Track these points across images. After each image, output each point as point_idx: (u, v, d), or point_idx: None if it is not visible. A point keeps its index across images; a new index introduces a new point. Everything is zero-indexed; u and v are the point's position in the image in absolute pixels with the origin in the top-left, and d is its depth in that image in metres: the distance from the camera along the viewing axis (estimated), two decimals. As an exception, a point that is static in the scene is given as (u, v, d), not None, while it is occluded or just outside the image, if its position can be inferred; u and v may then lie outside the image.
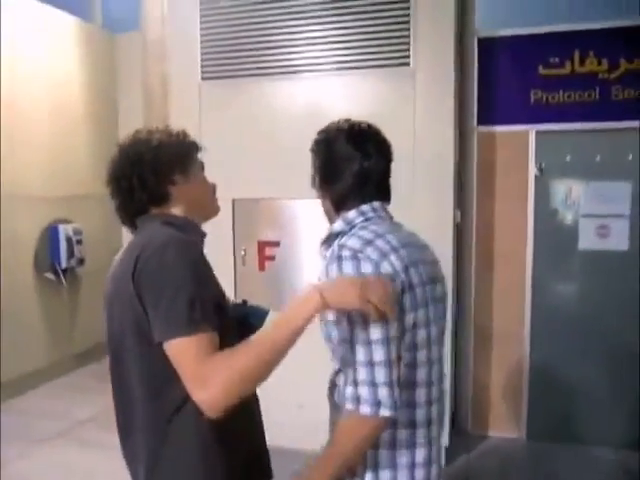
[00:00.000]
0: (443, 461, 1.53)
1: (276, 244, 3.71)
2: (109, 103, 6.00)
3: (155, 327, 1.22)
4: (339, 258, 1.30)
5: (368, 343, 1.24)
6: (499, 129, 3.84)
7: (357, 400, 1.25)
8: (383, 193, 1.49)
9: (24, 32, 4.92)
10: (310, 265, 3.53)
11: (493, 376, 4.00)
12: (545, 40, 3.72)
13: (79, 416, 4.43)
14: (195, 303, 1.20)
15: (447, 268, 3.47)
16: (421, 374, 1.36)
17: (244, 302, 1.59)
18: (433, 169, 3.41)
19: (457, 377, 3.98)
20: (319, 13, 3.50)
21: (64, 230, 5.17)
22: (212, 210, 1.55)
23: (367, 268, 1.28)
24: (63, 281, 5.21)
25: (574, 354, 3.82)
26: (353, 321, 1.27)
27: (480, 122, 3.85)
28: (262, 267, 3.75)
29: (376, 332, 1.24)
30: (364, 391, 1.24)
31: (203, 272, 1.29)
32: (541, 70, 3.72)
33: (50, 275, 5.18)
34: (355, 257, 1.29)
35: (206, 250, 1.42)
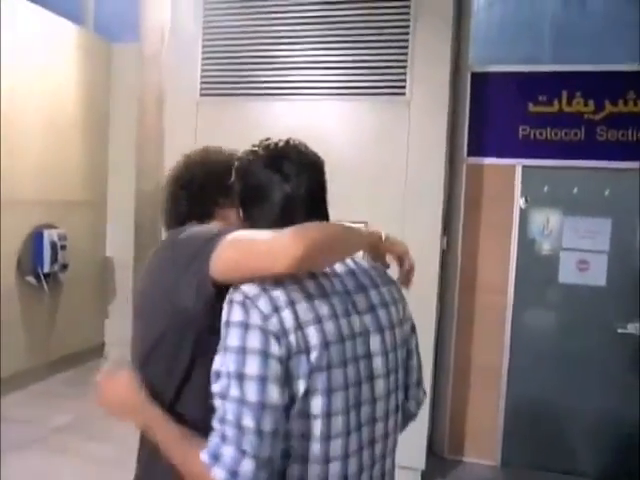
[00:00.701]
0: None
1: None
2: (101, 111, 6.01)
3: (193, 265, 1.20)
4: (230, 302, 1.16)
5: (240, 402, 1.10)
6: (487, 161, 3.95)
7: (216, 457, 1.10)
8: (317, 218, 1.29)
9: (23, 37, 4.94)
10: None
11: (470, 402, 4.06)
12: (535, 78, 3.86)
13: (54, 423, 4.38)
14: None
15: (432, 294, 3.58)
16: (335, 446, 1.17)
17: None
18: (423, 196, 3.50)
19: (435, 402, 4.04)
20: (319, 39, 3.59)
21: (49, 235, 5.15)
22: None
23: (255, 319, 1.12)
24: (45, 286, 5.18)
25: (551, 385, 3.91)
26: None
27: (469, 154, 3.96)
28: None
29: (251, 394, 1.10)
30: (228, 452, 1.09)
31: None
32: (530, 107, 3.85)
33: (32, 279, 5.14)
34: (244, 304, 1.14)
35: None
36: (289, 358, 1.12)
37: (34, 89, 5.09)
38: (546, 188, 3.91)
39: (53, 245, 5.15)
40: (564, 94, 3.79)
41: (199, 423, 1.19)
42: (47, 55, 5.23)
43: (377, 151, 3.52)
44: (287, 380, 1.12)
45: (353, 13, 3.51)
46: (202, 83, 3.82)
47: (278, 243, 1.11)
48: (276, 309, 1.13)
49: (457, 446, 4.09)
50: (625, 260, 3.80)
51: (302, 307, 1.16)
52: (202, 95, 3.82)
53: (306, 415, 1.14)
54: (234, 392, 1.10)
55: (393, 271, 1.43)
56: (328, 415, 1.15)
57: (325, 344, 1.15)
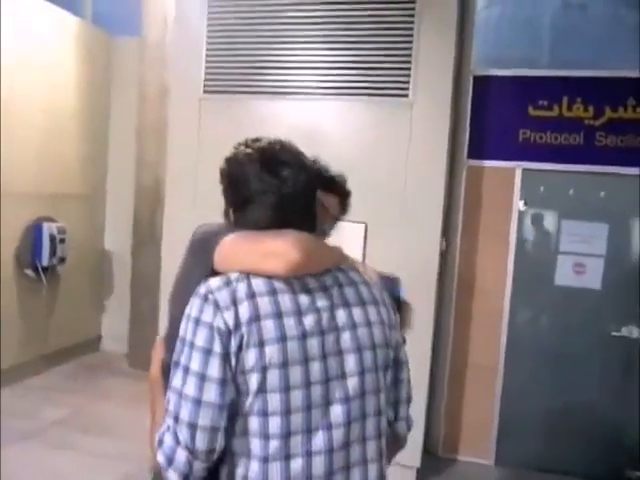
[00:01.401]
0: None
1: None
2: (102, 105, 6.00)
3: None
4: (195, 294, 1.20)
5: (179, 394, 1.15)
6: (487, 164, 3.98)
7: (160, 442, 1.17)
8: (307, 222, 1.32)
9: (24, 29, 4.92)
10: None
11: (465, 402, 4.11)
12: (536, 83, 3.89)
13: (50, 417, 4.39)
14: None
15: (430, 294, 3.62)
16: (295, 443, 1.17)
17: None
18: (424, 198, 3.53)
19: (430, 401, 4.08)
20: (324, 39, 3.61)
21: (48, 228, 5.14)
22: None
23: (207, 316, 1.16)
24: (43, 279, 5.18)
25: (546, 385, 3.97)
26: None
27: (470, 156, 3.99)
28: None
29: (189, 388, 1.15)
30: (167, 440, 1.16)
31: None
32: (531, 111, 3.88)
33: (30, 272, 5.14)
34: (205, 298, 1.18)
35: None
36: (240, 350, 1.14)
37: (34, 82, 5.08)
38: (545, 191, 3.95)
39: (52, 238, 5.15)
40: (564, 99, 3.83)
41: None
42: (47, 47, 5.22)
43: (378, 152, 3.55)
44: (239, 373, 1.14)
45: (358, 14, 3.53)
46: (206, 80, 3.83)
47: (280, 247, 1.19)
48: (234, 301, 1.16)
49: (452, 445, 4.13)
50: (621, 265, 3.85)
51: (263, 300, 1.17)
52: (205, 92, 3.83)
53: (263, 412, 1.15)
54: (177, 383, 1.16)
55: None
56: (287, 412, 1.16)
57: (282, 338, 1.16)
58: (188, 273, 1.37)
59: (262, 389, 1.14)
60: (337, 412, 1.21)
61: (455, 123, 3.89)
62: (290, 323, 1.17)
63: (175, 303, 1.39)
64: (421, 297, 3.54)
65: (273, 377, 1.15)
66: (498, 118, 3.96)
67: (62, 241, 5.27)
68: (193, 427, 1.13)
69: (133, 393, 4.98)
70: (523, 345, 4.00)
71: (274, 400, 1.15)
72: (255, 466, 1.16)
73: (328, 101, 3.67)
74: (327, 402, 1.20)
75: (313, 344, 1.19)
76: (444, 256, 3.98)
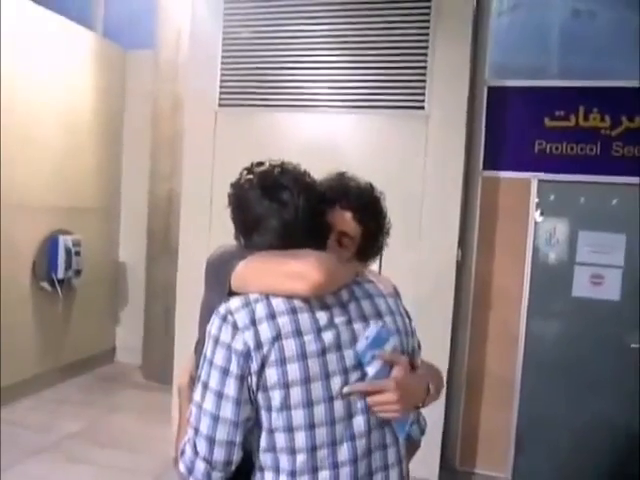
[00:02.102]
0: None
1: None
2: (116, 118, 6.06)
3: None
4: (215, 313, 1.25)
5: (199, 408, 1.21)
6: (503, 175, 3.96)
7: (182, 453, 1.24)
8: (316, 240, 1.35)
9: (39, 44, 4.99)
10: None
11: (482, 415, 4.07)
12: (552, 93, 3.88)
13: (66, 430, 4.40)
14: None
15: (447, 306, 3.60)
16: (322, 456, 1.21)
17: None
18: (440, 209, 3.52)
19: (447, 414, 4.04)
20: (339, 52, 3.62)
21: (64, 241, 5.18)
22: None
23: (226, 336, 1.20)
24: (59, 291, 5.21)
25: (564, 398, 3.92)
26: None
27: (485, 167, 3.98)
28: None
29: (208, 404, 1.20)
30: (188, 450, 1.22)
31: None
32: (546, 122, 3.86)
33: (46, 285, 5.17)
34: (224, 318, 1.22)
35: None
36: (263, 368, 1.18)
37: (49, 96, 5.14)
38: (561, 202, 3.93)
39: (68, 251, 5.19)
40: (581, 109, 3.81)
41: None
42: (62, 61, 5.28)
43: (394, 165, 3.54)
44: (262, 391, 1.18)
45: (373, 27, 3.54)
46: (221, 93, 3.85)
47: (303, 268, 1.21)
48: (253, 322, 1.20)
49: (469, 458, 4.09)
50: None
51: (283, 320, 1.21)
52: (221, 105, 3.86)
53: (288, 428, 1.19)
54: (198, 398, 1.22)
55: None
56: (311, 427, 1.20)
57: (303, 356, 1.19)
58: (207, 295, 1.42)
59: (286, 406, 1.18)
60: (359, 422, 1.25)
61: (470, 134, 3.88)
62: (310, 340, 1.21)
63: (200, 323, 1.42)
64: (437, 309, 3.53)
65: (296, 393, 1.18)
66: (513, 129, 3.94)
67: (77, 254, 5.30)
68: (211, 440, 1.19)
69: (147, 405, 4.99)
70: (540, 357, 3.96)
71: (298, 416, 1.19)
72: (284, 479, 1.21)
73: (343, 114, 3.68)
74: (350, 414, 1.23)
75: (332, 359, 1.22)
76: (460, 267, 3.96)
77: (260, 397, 1.19)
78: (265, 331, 1.19)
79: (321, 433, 1.20)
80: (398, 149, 3.56)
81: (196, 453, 1.19)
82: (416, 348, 1.44)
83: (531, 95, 3.91)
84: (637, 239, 3.79)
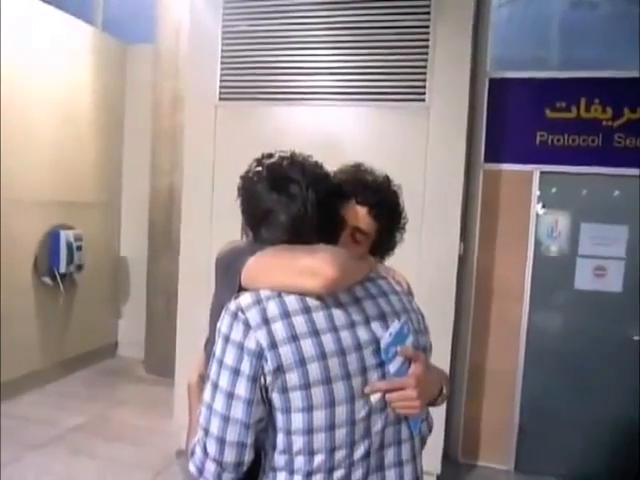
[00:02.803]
0: None
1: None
2: (116, 113, 6.04)
3: None
4: (225, 310, 1.20)
5: (209, 409, 1.18)
6: (504, 167, 3.95)
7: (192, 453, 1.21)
8: (326, 233, 1.31)
9: (39, 39, 4.97)
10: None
11: (485, 407, 4.07)
12: (553, 84, 3.86)
13: (69, 423, 4.42)
14: None
15: (449, 299, 3.59)
16: (340, 456, 1.19)
17: None
18: (442, 202, 3.51)
19: (449, 406, 4.05)
20: (339, 44, 3.60)
21: (65, 236, 5.18)
22: None
23: (237, 335, 1.16)
24: (61, 286, 5.21)
25: (566, 391, 3.92)
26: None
27: (486, 159, 3.97)
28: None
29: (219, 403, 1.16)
30: (198, 451, 1.19)
31: None
32: (548, 113, 3.85)
33: (47, 279, 5.17)
34: (235, 316, 1.18)
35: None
36: (279, 369, 1.14)
37: (50, 90, 5.13)
38: (563, 194, 3.92)
39: (69, 246, 5.19)
40: (582, 100, 3.79)
41: None
42: (62, 56, 5.26)
43: (395, 157, 3.53)
44: (279, 392, 1.14)
45: (373, 19, 3.51)
46: (221, 87, 3.83)
47: (316, 265, 1.17)
48: (266, 320, 1.15)
49: (472, 450, 4.10)
50: (642, 267, 3.80)
51: (297, 320, 1.16)
52: (221, 99, 3.84)
53: (308, 430, 1.16)
54: (207, 398, 1.18)
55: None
56: (332, 427, 1.17)
57: (322, 356, 1.16)
58: (217, 292, 1.38)
59: (307, 407, 1.15)
60: (376, 420, 1.23)
61: (471, 126, 3.87)
62: (328, 340, 1.17)
63: (211, 320, 1.39)
64: (440, 302, 3.53)
65: (318, 394, 1.15)
66: (514, 121, 3.93)
67: (79, 248, 5.31)
68: (221, 441, 1.15)
69: (150, 399, 5.01)
70: (543, 350, 3.96)
71: (319, 417, 1.16)
72: (298, 479, 1.19)
73: (344, 107, 3.66)
74: (369, 414, 1.21)
75: (352, 359, 1.19)
76: (462, 260, 3.95)
77: (277, 398, 1.16)
78: (280, 330, 1.14)
79: (341, 434, 1.17)
80: (399, 141, 3.54)
81: (206, 454, 1.16)
82: (427, 346, 1.41)
83: (532, 86, 3.90)
84: (639, 230, 3.78)
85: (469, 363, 4.08)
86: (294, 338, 1.15)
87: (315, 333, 1.16)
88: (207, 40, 3.84)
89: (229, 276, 1.28)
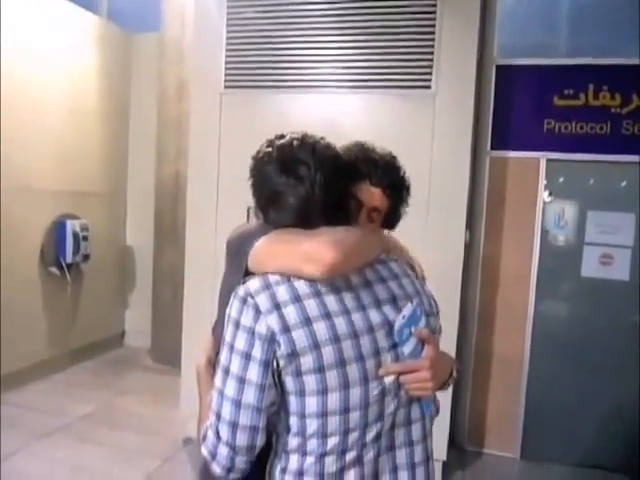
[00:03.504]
0: None
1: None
2: (121, 102, 6.04)
3: None
4: (234, 295, 1.20)
5: (221, 394, 1.18)
6: (511, 154, 3.93)
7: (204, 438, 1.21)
8: (336, 216, 1.29)
9: (44, 27, 4.96)
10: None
11: (491, 394, 4.08)
12: (561, 71, 3.83)
13: (77, 412, 4.44)
14: None
15: (455, 286, 3.59)
16: (353, 438, 1.20)
17: None
18: (448, 190, 3.49)
19: (456, 393, 4.05)
20: (345, 31, 3.57)
21: (71, 225, 5.19)
22: None
23: (247, 320, 1.16)
24: (67, 276, 5.23)
25: (572, 378, 3.92)
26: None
27: (493, 147, 3.95)
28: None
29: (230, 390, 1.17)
30: (210, 436, 1.19)
31: None
32: (556, 100, 3.82)
33: (54, 269, 5.19)
34: (244, 301, 1.17)
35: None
36: (293, 353, 1.13)
37: (55, 80, 5.12)
38: (570, 182, 3.89)
39: (75, 235, 5.20)
40: (590, 87, 3.76)
41: None
42: (67, 45, 5.25)
43: (401, 144, 3.46)
44: (294, 376, 1.15)
45: (381, 5, 3.49)
46: (226, 74, 3.82)
47: (315, 250, 1.16)
48: (276, 305, 1.15)
49: (478, 438, 4.11)
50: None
51: (309, 303, 1.16)
52: (226, 87, 3.83)
53: (322, 413, 1.17)
54: (219, 383, 1.18)
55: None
56: (346, 410, 1.17)
57: (336, 339, 1.15)
58: (227, 275, 1.38)
59: (322, 390, 1.16)
60: (389, 402, 1.23)
61: (478, 113, 3.84)
62: (340, 323, 1.17)
63: (220, 303, 1.39)
64: (446, 289, 3.51)
65: (332, 377, 1.15)
66: (522, 108, 3.90)
67: (85, 238, 5.32)
68: (234, 426, 1.16)
69: (156, 388, 5.03)
70: (549, 337, 3.96)
71: (334, 399, 1.16)
72: (311, 461, 1.19)
73: (349, 94, 3.64)
74: (383, 396, 1.21)
75: (365, 341, 1.19)
76: (468, 249, 3.94)
77: (290, 382, 1.16)
78: (292, 314, 1.14)
79: (355, 416, 1.18)
80: (405, 129, 3.52)
81: (219, 438, 1.17)
82: (437, 329, 1.41)
83: (540, 74, 3.86)
84: (647, 218, 3.76)
85: (475, 351, 4.08)
86: (307, 321, 1.15)
87: (327, 316, 1.16)
88: (212, 28, 3.82)
89: (238, 259, 1.28)
